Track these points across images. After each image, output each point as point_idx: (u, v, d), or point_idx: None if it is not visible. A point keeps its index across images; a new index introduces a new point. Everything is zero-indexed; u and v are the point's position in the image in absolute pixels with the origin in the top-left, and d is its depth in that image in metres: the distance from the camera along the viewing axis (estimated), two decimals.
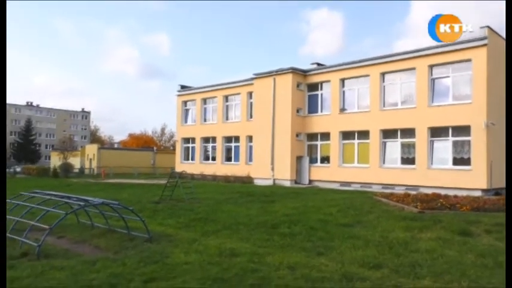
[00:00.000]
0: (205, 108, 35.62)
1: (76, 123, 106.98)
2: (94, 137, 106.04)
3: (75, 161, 56.41)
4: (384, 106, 23.80)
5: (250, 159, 30.28)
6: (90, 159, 58.67)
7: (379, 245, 7.55)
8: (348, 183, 24.32)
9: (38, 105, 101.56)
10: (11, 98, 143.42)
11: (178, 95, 37.73)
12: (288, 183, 25.99)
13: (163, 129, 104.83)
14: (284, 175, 26.64)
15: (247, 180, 28.50)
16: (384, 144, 23.73)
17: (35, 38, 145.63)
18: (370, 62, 24.05)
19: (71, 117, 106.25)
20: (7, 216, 8.44)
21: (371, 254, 6.80)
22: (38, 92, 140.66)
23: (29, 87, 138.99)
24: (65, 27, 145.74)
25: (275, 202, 15.24)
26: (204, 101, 35.51)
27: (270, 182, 26.99)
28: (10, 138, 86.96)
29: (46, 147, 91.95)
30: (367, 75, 24.37)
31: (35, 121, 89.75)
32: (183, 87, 37.91)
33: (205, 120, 35.49)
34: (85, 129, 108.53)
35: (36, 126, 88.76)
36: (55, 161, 60.52)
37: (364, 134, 24.52)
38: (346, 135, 25.56)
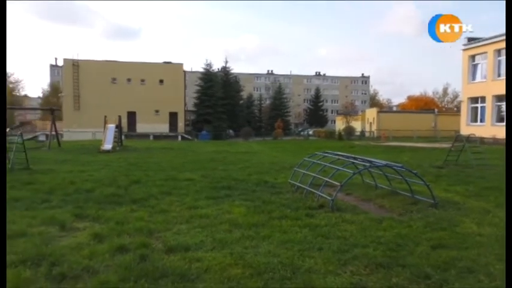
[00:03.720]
0: (499, 61, 30.41)
1: (356, 89, 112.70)
2: (373, 101, 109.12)
3: (357, 125, 59.94)
4: None
5: None
6: (370, 123, 60.96)
7: None
8: None
9: (324, 74, 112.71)
10: (304, 69, 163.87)
11: (464, 49, 33.65)
12: None
13: (445, 89, 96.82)
14: None
15: None
16: None
17: (321, 17, 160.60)
18: None
19: (352, 83, 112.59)
20: (305, 172, 9.92)
21: None
22: (323, 62, 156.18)
23: (317, 58, 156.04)
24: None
25: None
26: (498, 52, 30.29)
27: None
28: (303, 105, 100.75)
29: (331, 112, 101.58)
30: None
31: (322, 89, 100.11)
32: (470, 39, 33.48)
33: (499, 75, 30.37)
34: (365, 93, 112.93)
35: (323, 93, 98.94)
36: (339, 124, 66.18)
37: None
38: None
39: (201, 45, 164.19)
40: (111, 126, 26.19)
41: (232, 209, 7.43)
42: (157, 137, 47.97)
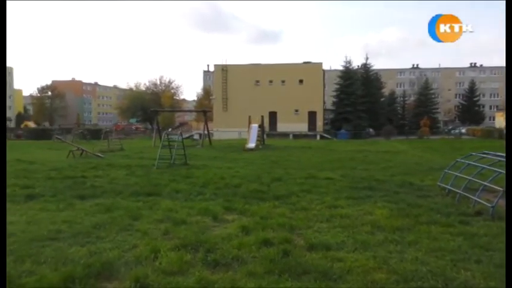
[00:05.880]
0: None
1: None
2: None
3: None
4: None
5: None
6: None
7: None
8: None
9: (481, 65, 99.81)
10: (455, 61, 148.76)
11: None
12: None
13: None
14: None
15: None
16: None
17: None
18: None
19: None
20: (458, 174, 8.95)
21: None
22: (480, 51, 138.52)
23: (471, 48, 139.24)
24: None
25: None
26: None
27: None
28: (454, 101, 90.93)
29: (490, 108, 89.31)
30: None
31: (478, 82, 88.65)
32: None
33: None
34: None
35: (479, 86, 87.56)
36: (500, 121, 57.73)
37: None
38: None
39: (340, 42, 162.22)
40: (255, 126, 27.82)
41: (374, 210, 7.17)
42: (297, 136, 49.09)
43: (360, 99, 56.01)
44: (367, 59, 63.18)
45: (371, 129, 55.31)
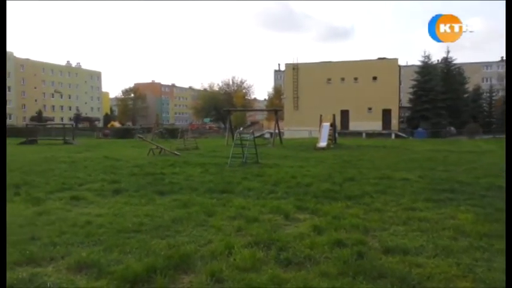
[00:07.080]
0: None
1: None
2: None
3: None
4: None
5: None
6: None
7: None
8: None
9: None
10: None
11: None
12: None
13: None
14: None
15: None
16: None
17: None
18: None
19: None
20: None
21: None
22: None
23: None
24: None
25: None
26: None
27: None
28: None
29: None
30: None
31: None
32: None
33: None
34: None
35: None
36: None
37: None
38: None
39: (416, 37, 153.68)
40: (326, 125, 27.39)
41: (457, 214, 6.71)
42: (370, 134, 47.48)
43: (439, 95, 52.62)
44: (448, 52, 59.13)
45: (452, 128, 51.68)
